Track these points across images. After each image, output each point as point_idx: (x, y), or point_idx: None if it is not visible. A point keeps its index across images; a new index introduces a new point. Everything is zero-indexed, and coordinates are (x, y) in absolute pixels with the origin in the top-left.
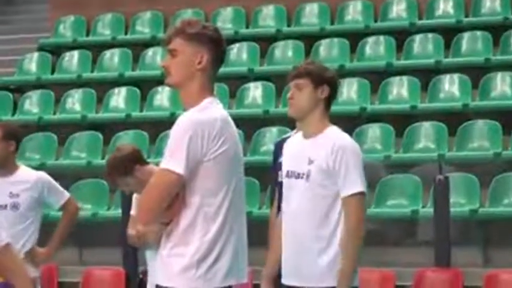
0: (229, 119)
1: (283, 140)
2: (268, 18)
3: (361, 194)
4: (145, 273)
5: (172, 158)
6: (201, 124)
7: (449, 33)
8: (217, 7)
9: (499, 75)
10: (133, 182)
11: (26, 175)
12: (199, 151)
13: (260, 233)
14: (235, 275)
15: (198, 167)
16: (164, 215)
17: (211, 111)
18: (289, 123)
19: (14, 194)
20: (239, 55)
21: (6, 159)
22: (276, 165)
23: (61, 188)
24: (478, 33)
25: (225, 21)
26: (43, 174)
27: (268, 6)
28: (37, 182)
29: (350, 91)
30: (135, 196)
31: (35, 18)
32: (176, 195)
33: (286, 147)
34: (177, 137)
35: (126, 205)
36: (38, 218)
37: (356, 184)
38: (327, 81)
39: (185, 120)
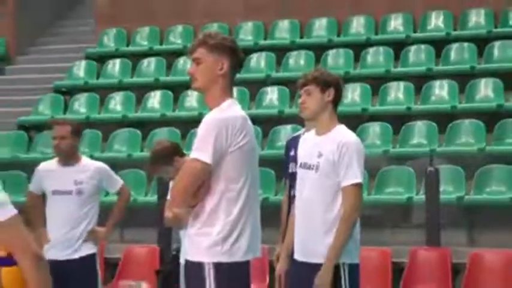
0: (247, 117)
1: (294, 138)
2: (283, 31)
3: (359, 185)
4: (178, 250)
5: (201, 150)
6: (224, 121)
7: (439, 45)
8: (239, 22)
9: (482, 81)
10: (172, 170)
11: (87, 165)
12: (223, 144)
13: (276, 216)
14: (253, 251)
15: (222, 158)
16: (192, 199)
17: (232, 110)
18: (301, 122)
19: (78, 182)
20: (258, 63)
21: (73, 152)
22: (288, 159)
23: (116, 176)
24: (465, 44)
25: (246, 34)
26: (102, 164)
27: (284, 20)
28: (97, 170)
29: (354, 94)
30: (171, 183)
31: (83, 31)
32: (202, 182)
33: (302, 143)
34: (204, 133)
35: (162, 191)
36: (98, 202)
37: (355, 176)
38: (332, 85)
39: (211, 119)
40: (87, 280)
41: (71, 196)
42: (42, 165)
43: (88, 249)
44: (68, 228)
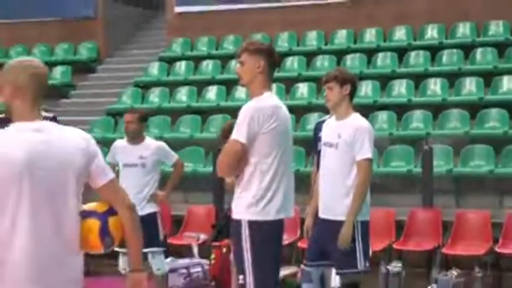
0: (282, 105)
1: (321, 122)
2: (312, 40)
3: (370, 159)
4: (230, 209)
5: (239, 132)
6: (257, 110)
7: (433, 51)
8: (277, 32)
9: (467, 80)
10: None
11: (150, 144)
12: (255, 127)
13: (306, 183)
14: (284, 211)
15: (255, 138)
16: (234, 170)
17: (267, 100)
18: (325, 110)
19: (142, 157)
20: (292, 64)
21: (138, 134)
22: (316, 139)
23: (172, 152)
24: (454, 51)
25: (283, 42)
26: (161, 143)
27: (312, 31)
28: (157, 148)
29: (366, 89)
30: None
31: (157, 39)
32: (240, 157)
33: (325, 126)
34: (241, 119)
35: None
36: (158, 172)
37: (367, 152)
38: (349, 82)
39: (247, 108)
40: (151, 232)
41: (137, 168)
42: (116, 143)
43: (151, 208)
44: (134, 192)
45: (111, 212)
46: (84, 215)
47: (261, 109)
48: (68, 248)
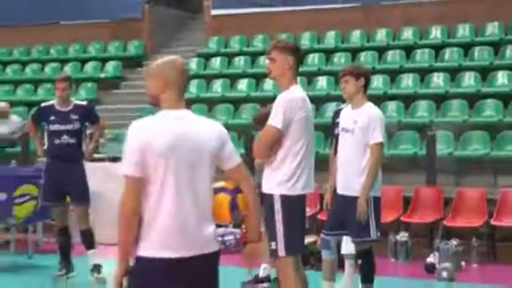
0: (307, 97)
1: (338, 110)
2: (331, 39)
3: (381, 143)
4: (259, 185)
5: (276, 119)
6: (290, 101)
7: (436, 49)
8: (300, 32)
9: (467, 74)
10: None
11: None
12: (289, 116)
13: (324, 164)
14: (308, 187)
15: (289, 125)
16: (269, 152)
17: (296, 93)
18: (342, 100)
19: None
20: (313, 60)
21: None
22: (334, 125)
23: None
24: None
25: (305, 40)
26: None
27: (331, 31)
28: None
29: (378, 82)
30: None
31: (196, 38)
32: (275, 141)
33: (343, 114)
34: (277, 108)
35: (247, 146)
36: None
37: (379, 137)
38: (363, 76)
39: (281, 99)
40: None
41: None
42: None
43: None
44: None
45: (239, 190)
46: (217, 191)
47: (293, 100)
48: (203, 216)
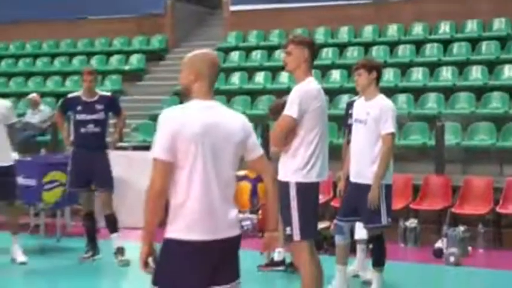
0: (321, 89)
1: (351, 102)
2: (344, 34)
3: (393, 134)
4: (275, 173)
5: (292, 109)
6: (305, 92)
7: (445, 43)
8: (315, 27)
9: (474, 68)
10: None
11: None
12: (304, 106)
13: (338, 153)
14: (322, 175)
15: (304, 115)
16: (284, 141)
17: (311, 84)
18: (355, 92)
19: None
20: (327, 54)
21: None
22: (347, 116)
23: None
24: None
25: (319, 35)
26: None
27: (344, 26)
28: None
29: (389, 75)
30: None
31: (215, 32)
32: (290, 130)
33: (356, 105)
34: (293, 98)
35: (263, 135)
36: None
37: (390, 127)
38: (375, 69)
39: (297, 90)
40: None
41: None
42: None
43: None
44: None
45: (259, 179)
46: (239, 179)
47: (308, 91)
48: (227, 201)
